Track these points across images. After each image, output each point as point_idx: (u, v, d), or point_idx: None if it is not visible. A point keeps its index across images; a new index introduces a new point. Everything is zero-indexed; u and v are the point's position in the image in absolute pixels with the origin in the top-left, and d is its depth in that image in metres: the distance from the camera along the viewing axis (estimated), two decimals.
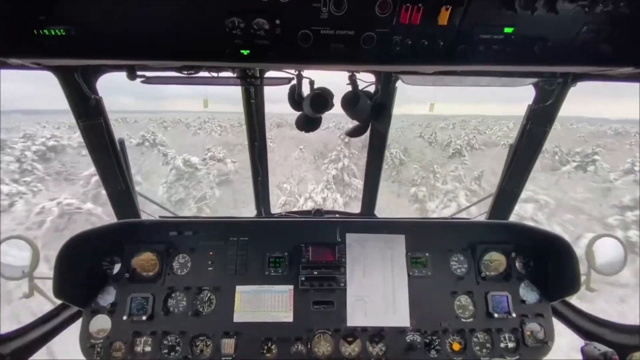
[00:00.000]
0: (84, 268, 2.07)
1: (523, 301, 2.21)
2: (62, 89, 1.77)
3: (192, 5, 1.10)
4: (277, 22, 1.15)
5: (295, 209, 3.40)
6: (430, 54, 1.24)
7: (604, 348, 1.71)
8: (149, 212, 2.64)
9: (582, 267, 2.17)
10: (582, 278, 2.15)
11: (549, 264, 2.19)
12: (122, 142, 2.16)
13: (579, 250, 2.20)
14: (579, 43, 1.22)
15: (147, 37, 1.18)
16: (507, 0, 1.10)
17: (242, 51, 1.23)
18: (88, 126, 1.94)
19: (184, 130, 51.67)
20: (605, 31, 1.17)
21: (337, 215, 3.31)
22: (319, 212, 3.13)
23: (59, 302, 2.05)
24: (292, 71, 1.67)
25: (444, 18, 1.14)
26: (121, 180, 2.21)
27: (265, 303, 2.12)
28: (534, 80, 1.87)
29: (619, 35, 1.17)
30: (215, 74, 1.70)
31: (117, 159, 2.14)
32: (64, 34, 1.14)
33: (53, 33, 1.13)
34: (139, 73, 1.56)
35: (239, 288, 2.14)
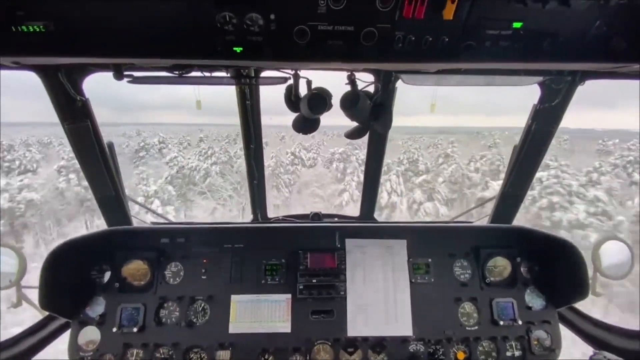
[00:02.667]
0: (71, 278, 1.98)
1: (529, 307, 2.13)
2: (46, 91, 1.68)
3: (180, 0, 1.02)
4: (272, 17, 1.07)
5: (291, 213, 3.32)
6: (435, 50, 1.17)
7: (614, 357, 1.64)
8: (141, 218, 2.55)
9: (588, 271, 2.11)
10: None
11: (556, 269, 2.12)
12: (111, 146, 2.07)
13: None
14: (590, 38, 1.15)
15: (133, 33, 1.10)
16: None
17: (234, 48, 1.15)
18: (74, 129, 1.85)
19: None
20: (619, 26, 1.10)
21: (336, 219, 3.24)
22: (316, 216, 3.05)
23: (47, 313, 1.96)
24: (289, 70, 1.59)
25: (449, 12, 1.06)
26: (110, 186, 2.12)
27: (261, 313, 2.03)
28: (540, 79, 1.81)
29: (633, 30, 1.11)
30: (208, 74, 1.62)
31: (106, 164, 2.05)
32: (43, 30, 1.05)
33: (32, 29, 1.05)
34: (126, 73, 1.48)
35: (234, 297, 2.06)
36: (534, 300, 2.17)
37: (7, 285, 2.17)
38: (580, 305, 2.18)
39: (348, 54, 1.17)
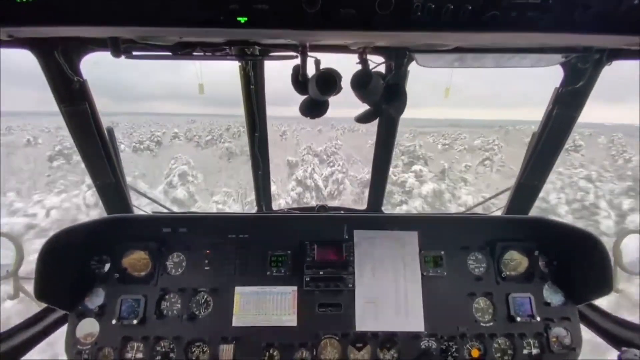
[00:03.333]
0: (69, 268, 1.90)
1: (547, 303, 2.03)
2: (42, 70, 1.60)
3: None
4: None
5: (297, 205, 3.23)
6: (456, 20, 1.07)
7: None
8: (142, 208, 2.48)
9: None
10: None
11: (577, 263, 2.01)
12: (110, 131, 1.99)
13: None
14: (625, 8, 1.05)
15: (129, 0, 1.02)
16: None
17: (238, 19, 1.05)
18: (71, 112, 1.77)
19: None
20: None
21: (342, 212, 3.15)
22: (323, 208, 2.96)
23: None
24: (297, 44, 1.50)
25: None
26: (110, 173, 2.04)
27: (266, 305, 1.95)
28: (563, 59, 1.69)
29: None
30: (210, 54, 1.54)
31: (106, 149, 1.97)
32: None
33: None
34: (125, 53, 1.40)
35: (238, 289, 1.97)
36: (553, 296, 2.05)
37: (4, 276, 2.10)
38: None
39: (362, 23, 1.07)
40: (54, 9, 1.01)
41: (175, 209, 2.65)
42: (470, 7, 1.05)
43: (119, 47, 1.36)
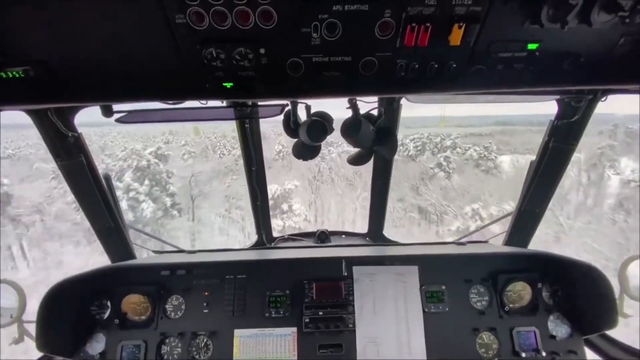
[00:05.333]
0: (70, 316, 1.91)
1: (553, 336, 1.98)
2: (37, 129, 1.63)
3: (165, 37, 0.94)
4: (262, 51, 0.98)
5: (297, 232, 3.23)
6: (441, 77, 1.07)
7: None
8: (142, 245, 2.49)
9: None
10: None
11: (580, 295, 1.97)
12: (107, 177, 2.02)
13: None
14: (615, 57, 1.03)
15: (117, 75, 1.03)
16: (532, 13, 0.91)
17: (225, 84, 1.07)
18: (67, 165, 1.80)
19: None
20: None
21: (343, 237, 3.14)
22: (323, 234, 2.96)
23: None
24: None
25: (456, 38, 0.96)
26: (109, 218, 2.06)
27: (266, 348, 1.93)
28: (557, 96, 1.68)
29: None
30: (204, 102, 1.55)
31: (104, 196, 1.99)
32: (22, 75, 0.99)
33: (12, 75, 0.99)
34: (116, 109, 1.42)
35: (237, 332, 1.96)
36: (559, 329, 2.01)
37: (9, 322, 2.12)
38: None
39: (346, 86, 1.08)
40: (42, 87, 1.03)
41: (176, 242, 2.65)
42: (454, 65, 1.05)
43: (111, 109, 1.38)
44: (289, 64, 1.01)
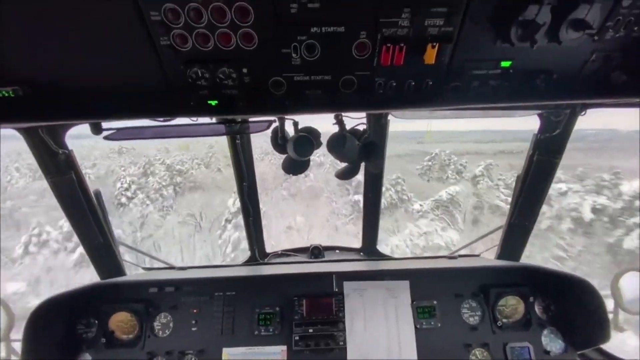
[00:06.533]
0: (56, 335, 1.87)
1: (547, 352, 1.95)
2: (28, 146, 1.65)
3: (150, 58, 0.97)
4: (245, 70, 1.02)
5: (290, 247, 3.21)
6: (419, 94, 1.10)
7: None
8: (132, 261, 2.46)
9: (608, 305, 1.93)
10: (610, 316, 1.90)
11: (573, 309, 1.95)
12: (98, 194, 2.02)
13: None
14: (587, 72, 1.07)
15: (104, 94, 1.06)
16: (501, 33, 0.96)
17: (209, 102, 1.10)
18: (58, 182, 1.81)
19: None
20: (617, 58, 1.03)
21: (337, 252, 3.12)
22: (317, 249, 2.94)
23: None
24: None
25: (430, 57, 1.00)
26: (99, 234, 2.05)
27: None
28: (537, 111, 1.73)
29: (632, 62, 1.03)
30: (194, 119, 1.58)
31: (93, 213, 1.99)
32: (12, 95, 1.02)
33: (1, 94, 1.01)
34: (105, 126, 1.44)
35: (226, 351, 1.92)
36: (553, 343, 1.98)
37: None
38: None
39: (328, 103, 1.11)
40: (31, 106, 1.05)
41: (167, 259, 2.63)
42: (431, 82, 1.08)
43: (100, 127, 1.40)
44: (271, 82, 1.05)
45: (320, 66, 1.02)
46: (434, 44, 0.97)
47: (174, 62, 0.98)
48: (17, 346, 2.10)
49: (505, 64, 1.05)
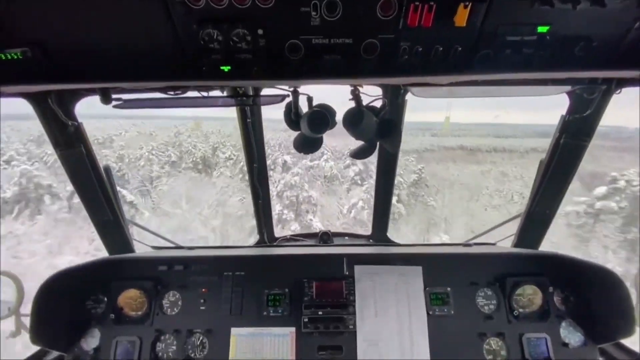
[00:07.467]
0: (65, 309, 1.88)
1: (565, 344, 1.87)
2: (38, 117, 1.62)
3: (161, 17, 0.92)
4: (260, 32, 0.96)
5: (300, 232, 3.18)
6: (446, 61, 1.03)
7: None
8: (141, 240, 2.46)
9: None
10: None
11: (595, 300, 1.86)
12: (107, 169, 2.00)
13: None
14: (629, 42, 0.98)
15: (114, 57, 1.02)
16: None
17: (222, 67, 1.04)
18: (67, 155, 1.79)
19: None
20: None
21: (346, 238, 3.07)
22: (326, 235, 2.90)
23: None
24: (287, 87, 1.48)
25: (462, 18, 0.92)
26: (108, 211, 2.04)
27: (263, 348, 1.86)
28: (568, 88, 1.61)
29: None
30: (205, 93, 1.53)
31: (103, 188, 1.97)
32: (21, 56, 0.98)
33: (10, 57, 0.98)
34: (115, 96, 1.40)
35: (234, 330, 1.90)
36: (571, 336, 1.90)
37: (6, 315, 2.11)
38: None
39: (347, 70, 1.04)
40: (40, 68, 1.02)
41: (175, 239, 2.62)
42: (460, 48, 1.00)
43: (109, 96, 1.36)
44: (287, 46, 0.98)
45: (341, 28, 0.95)
46: (467, 3, 0.89)
47: (186, 22, 0.93)
48: (27, 321, 2.14)
49: (542, 29, 0.96)
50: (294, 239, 3.05)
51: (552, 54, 1.01)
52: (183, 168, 27.90)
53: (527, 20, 0.95)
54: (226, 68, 1.04)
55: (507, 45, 0.99)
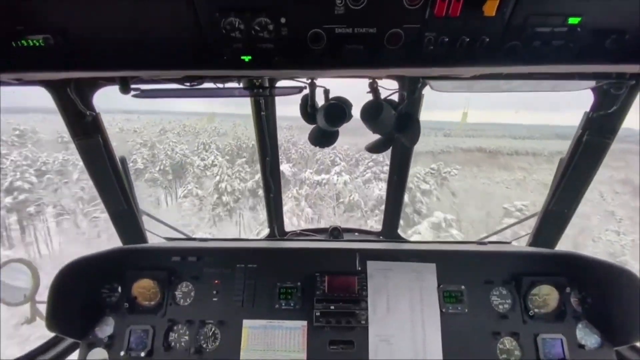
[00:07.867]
0: (81, 297, 1.91)
1: (581, 346, 1.84)
2: (56, 105, 1.64)
3: (184, 5, 0.91)
4: (283, 20, 0.94)
5: (310, 227, 3.18)
6: (472, 53, 1.00)
7: None
8: (155, 232, 2.48)
9: None
10: None
11: (613, 301, 1.82)
12: (123, 161, 2.02)
13: None
14: None
15: (135, 45, 1.02)
16: None
17: (242, 57, 1.03)
18: (84, 144, 1.81)
19: None
20: None
21: (356, 234, 3.06)
22: (336, 230, 2.90)
23: None
24: (304, 79, 1.46)
25: (491, 7, 0.89)
26: (123, 201, 2.06)
27: (275, 341, 1.87)
28: (593, 83, 1.56)
29: None
30: (220, 85, 1.52)
31: (118, 178, 1.99)
32: (43, 44, 0.99)
33: (32, 44, 0.99)
34: (133, 86, 1.40)
35: (246, 322, 1.91)
36: (588, 337, 1.86)
37: (22, 301, 2.14)
38: None
39: (370, 60, 1.02)
40: (61, 55, 1.02)
41: (189, 232, 2.64)
42: (487, 39, 0.97)
43: (128, 85, 1.36)
44: (310, 35, 0.97)
45: (366, 17, 0.93)
46: None
47: (209, 10, 0.92)
48: (43, 308, 2.19)
49: (573, 20, 0.93)
50: (304, 233, 3.05)
51: (581, 47, 0.98)
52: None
53: (558, 11, 0.92)
54: (247, 58, 1.03)
55: (535, 36, 0.96)
